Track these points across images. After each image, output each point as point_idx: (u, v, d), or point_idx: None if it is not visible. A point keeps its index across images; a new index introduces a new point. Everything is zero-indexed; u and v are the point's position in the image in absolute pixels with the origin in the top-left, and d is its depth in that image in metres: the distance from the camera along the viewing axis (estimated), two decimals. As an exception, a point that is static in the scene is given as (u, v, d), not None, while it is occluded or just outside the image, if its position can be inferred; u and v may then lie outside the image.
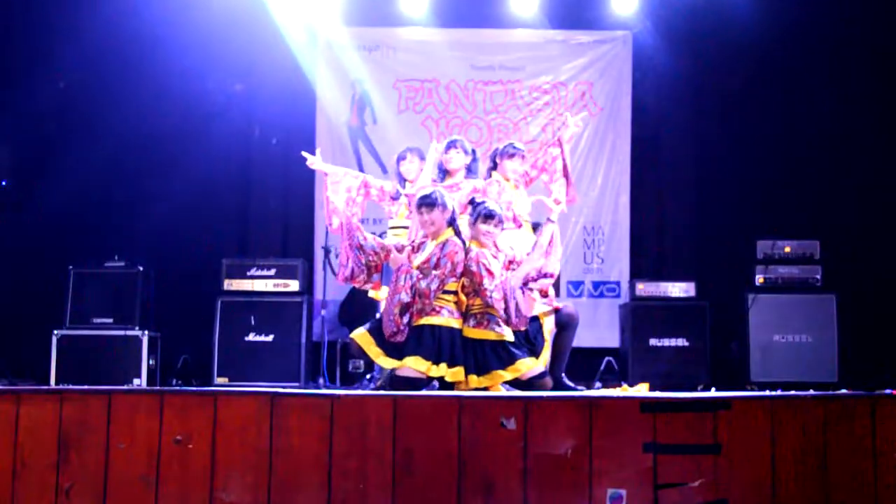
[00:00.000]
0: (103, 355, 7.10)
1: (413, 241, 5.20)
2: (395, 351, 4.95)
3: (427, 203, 5.03)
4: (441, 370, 4.88)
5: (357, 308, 7.67)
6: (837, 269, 7.42)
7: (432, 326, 4.93)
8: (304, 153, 5.92)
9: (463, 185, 5.62)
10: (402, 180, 5.95)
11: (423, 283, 4.91)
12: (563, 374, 5.47)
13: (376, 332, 4.99)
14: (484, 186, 5.62)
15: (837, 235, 7.59)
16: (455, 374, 4.92)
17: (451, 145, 5.77)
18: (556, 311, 5.40)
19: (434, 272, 4.92)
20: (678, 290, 7.48)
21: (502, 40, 8.57)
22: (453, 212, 5.11)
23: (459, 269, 4.99)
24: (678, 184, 8.45)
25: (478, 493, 3.77)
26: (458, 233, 5.08)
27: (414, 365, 4.84)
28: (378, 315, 5.36)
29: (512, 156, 5.70)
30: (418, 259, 5.04)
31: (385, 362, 4.96)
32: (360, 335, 5.00)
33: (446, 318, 4.97)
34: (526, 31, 8.48)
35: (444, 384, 4.94)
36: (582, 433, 3.78)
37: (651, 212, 8.49)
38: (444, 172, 5.79)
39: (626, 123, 8.45)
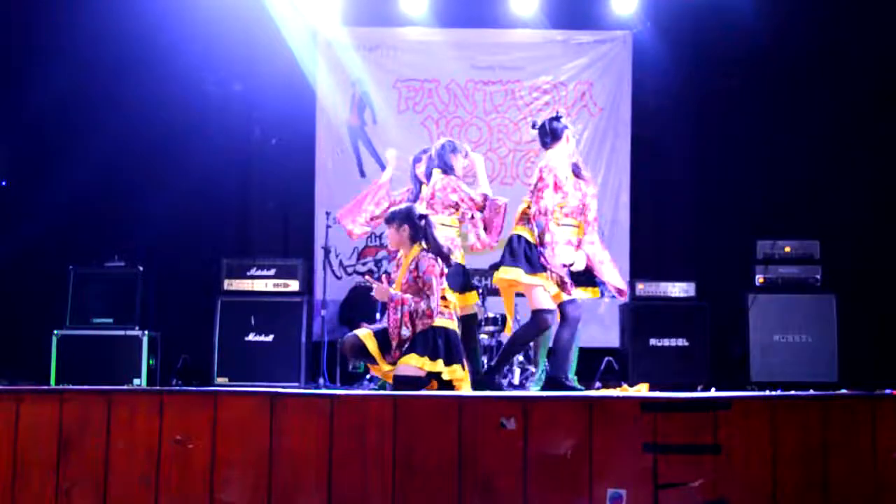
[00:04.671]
0: (103, 355, 7.11)
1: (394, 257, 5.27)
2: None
3: (386, 220, 5.17)
4: (438, 366, 4.91)
5: (357, 308, 7.69)
6: (837, 269, 7.42)
7: (427, 329, 4.98)
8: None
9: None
10: (418, 182, 5.97)
11: (423, 305, 4.94)
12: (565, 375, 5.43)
13: (381, 336, 5.03)
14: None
15: (837, 235, 7.59)
16: (452, 371, 4.96)
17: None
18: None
19: (428, 293, 4.95)
20: (678, 290, 7.48)
21: (502, 40, 8.57)
22: (418, 228, 5.07)
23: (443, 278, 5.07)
24: (678, 184, 8.45)
25: (478, 493, 3.77)
26: (428, 240, 5.08)
27: (409, 362, 4.88)
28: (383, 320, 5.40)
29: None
30: (398, 277, 5.08)
31: (385, 367, 5.00)
32: (366, 335, 5.02)
33: (441, 321, 5.02)
34: (526, 31, 8.48)
35: (443, 384, 4.96)
36: (582, 433, 3.78)
37: (651, 212, 8.49)
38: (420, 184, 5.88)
39: (626, 123, 8.45)
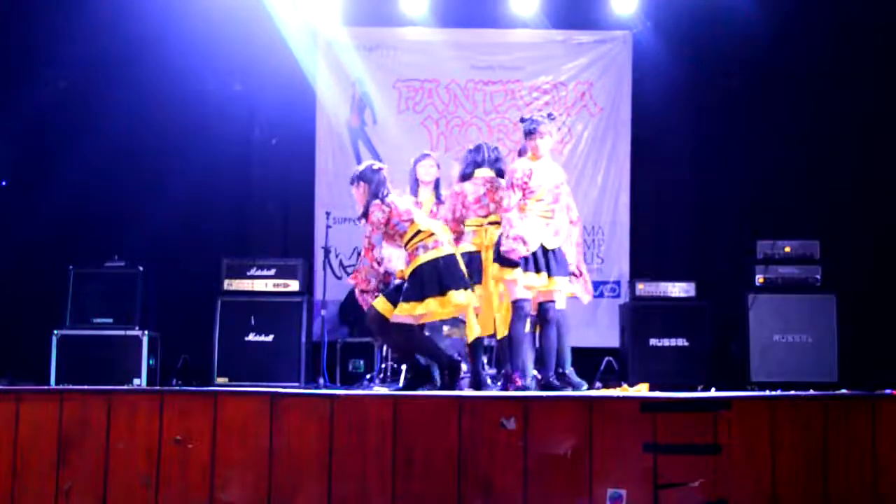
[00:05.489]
0: (103, 355, 7.10)
1: None
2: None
3: (350, 183, 5.29)
4: (428, 306, 4.96)
5: (357, 308, 7.68)
6: (837, 269, 7.41)
7: (414, 269, 5.06)
8: None
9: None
10: (416, 183, 6.01)
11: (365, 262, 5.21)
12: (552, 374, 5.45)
13: (394, 296, 5.15)
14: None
15: (837, 235, 7.59)
16: (444, 301, 4.99)
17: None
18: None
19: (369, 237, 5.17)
20: (678, 290, 7.48)
21: (502, 40, 8.57)
22: (373, 182, 5.18)
23: (389, 224, 5.12)
24: (678, 184, 8.44)
25: (478, 493, 3.77)
26: (382, 198, 5.17)
27: (399, 312, 5.00)
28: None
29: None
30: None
31: (387, 312, 5.10)
32: (378, 300, 5.18)
33: (424, 254, 5.05)
34: (526, 31, 8.47)
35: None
36: (582, 433, 3.78)
37: (651, 212, 8.48)
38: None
39: (626, 123, 8.44)
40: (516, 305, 5.34)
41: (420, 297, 5.00)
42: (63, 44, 7.76)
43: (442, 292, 5.01)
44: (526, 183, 5.34)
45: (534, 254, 5.27)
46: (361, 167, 5.32)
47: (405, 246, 5.18)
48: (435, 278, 5.02)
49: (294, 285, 7.42)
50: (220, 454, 3.87)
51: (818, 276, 7.37)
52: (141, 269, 7.35)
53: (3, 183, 7.85)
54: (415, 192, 6.00)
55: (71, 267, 7.32)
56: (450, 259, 5.11)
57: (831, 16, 7.91)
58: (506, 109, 8.50)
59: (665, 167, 8.50)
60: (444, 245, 5.14)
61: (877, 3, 7.73)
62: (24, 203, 7.83)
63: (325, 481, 3.81)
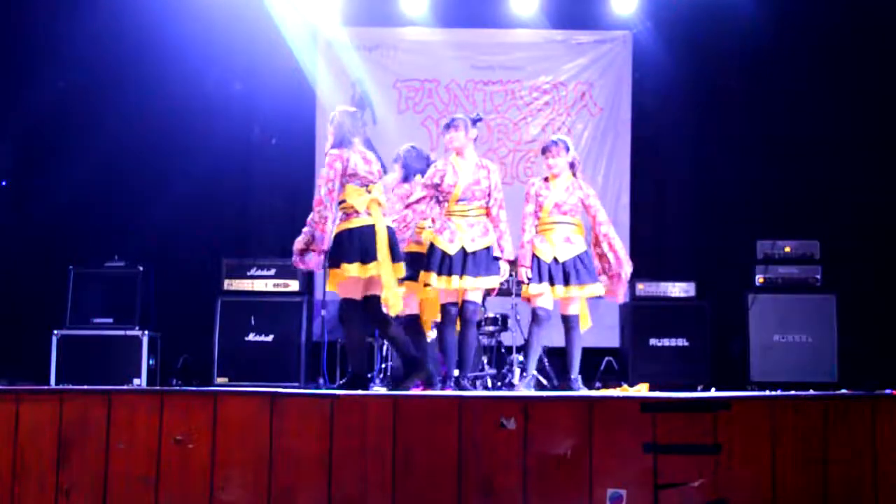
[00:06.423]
0: (103, 355, 7.11)
1: None
2: None
3: None
4: (330, 282, 4.98)
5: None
6: (837, 269, 7.42)
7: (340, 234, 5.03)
8: None
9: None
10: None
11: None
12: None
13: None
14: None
15: (837, 235, 7.60)
16: (336, 274, 5.00)
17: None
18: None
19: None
20: (678, 290, 7.49)
21: (502, 40, 8.57)
22: (340, 130, 5.25)
23: (342, 175, 5.10)
24: (678, 184, 8.45)
25: (478, 493, 3.76)
26: (337, 145, 5.17)
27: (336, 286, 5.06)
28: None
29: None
30: None
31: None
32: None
33: (335, 227, 5.05)
34: (526, 31, 8.48)
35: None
36: (582, 433, 3.78)
37: (651, 212, 8.49)
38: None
39: (626, 123, 8.45)
40: (443, 309, 5.40)
41: (338, 263, 5.00)
42: (63, 44, 7.76)
43: (336, 264, 4.99)
44: (437, 184, 5.38)
45: (451, 257, 5.28)
46: (338, 109, 5.32)
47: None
48: (334, 252, 5.01)
49: (294, 285, 7.42)
50: (220, 454, 3.87)
51: (818, 276, 7.38)
52: (141, 269, 7.35)
53: (3, 183, 7.85)
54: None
55: (71, 267, 7.33)
56: (356, 231, 4.99)
57: (831, 16, 7.91)
58: (506, 109, 8.50)
59: (665, 167, 8.51)
60: (357, 216, 5.02)
61: (877, 3, 7.73)
62: (24, 203, 7.83)
63: (325, 481, 3.81)
